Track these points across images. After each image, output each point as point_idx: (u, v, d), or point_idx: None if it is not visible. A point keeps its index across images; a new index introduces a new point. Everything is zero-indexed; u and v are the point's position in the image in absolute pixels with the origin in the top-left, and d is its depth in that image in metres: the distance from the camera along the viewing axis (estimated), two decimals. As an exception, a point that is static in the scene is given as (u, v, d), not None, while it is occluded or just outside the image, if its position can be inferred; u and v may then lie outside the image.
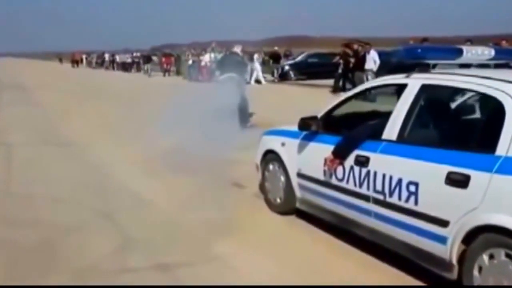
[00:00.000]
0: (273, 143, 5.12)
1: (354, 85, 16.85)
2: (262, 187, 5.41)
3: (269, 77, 24.18)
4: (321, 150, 4.35)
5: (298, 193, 4.75)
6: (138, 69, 36.85)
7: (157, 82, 25.65)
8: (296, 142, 4.74)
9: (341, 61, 17.23)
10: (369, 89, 4.66)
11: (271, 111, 11.05)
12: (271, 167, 5.14)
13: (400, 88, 4.00)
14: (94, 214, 5.10)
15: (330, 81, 19.56)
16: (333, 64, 18.08)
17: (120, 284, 3.62)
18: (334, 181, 4.19)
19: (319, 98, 15.50)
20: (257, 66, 23.25)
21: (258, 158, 5.37)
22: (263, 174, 5.30)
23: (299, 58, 24.54)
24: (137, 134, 8.65)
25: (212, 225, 4.64)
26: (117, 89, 21.34)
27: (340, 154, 4.13)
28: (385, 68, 14.59)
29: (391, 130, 3.76)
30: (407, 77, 3.89)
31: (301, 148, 4.67)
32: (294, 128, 4.87)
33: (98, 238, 4.46)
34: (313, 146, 4.53)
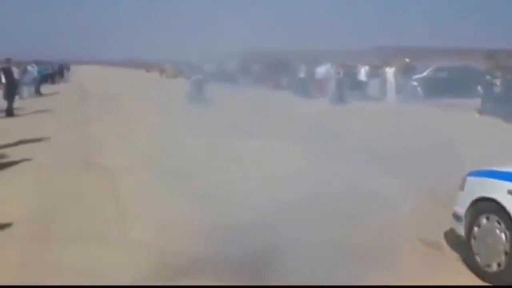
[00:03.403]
0: (492, 189, 4.09)
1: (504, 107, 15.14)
2: (464, 246, 4.37)
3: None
4: None
5: (533, 262, 3.69)
6: None
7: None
8: (533, 191, 3.70)
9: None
10: None
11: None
12: (484, 221, 4.11)
13: None
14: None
15: (468, 101, 17.76)
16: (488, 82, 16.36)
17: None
18: None
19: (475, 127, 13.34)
20: (391, 85, 21.45)
21: (462, 206, 4.37)
22: (470, 229, 4.26)
23: (426, 73, 22.72)
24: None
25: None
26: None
27: None
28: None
29: None
30: None
31: (544, 202, 3.62)
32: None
33: None
34: None
